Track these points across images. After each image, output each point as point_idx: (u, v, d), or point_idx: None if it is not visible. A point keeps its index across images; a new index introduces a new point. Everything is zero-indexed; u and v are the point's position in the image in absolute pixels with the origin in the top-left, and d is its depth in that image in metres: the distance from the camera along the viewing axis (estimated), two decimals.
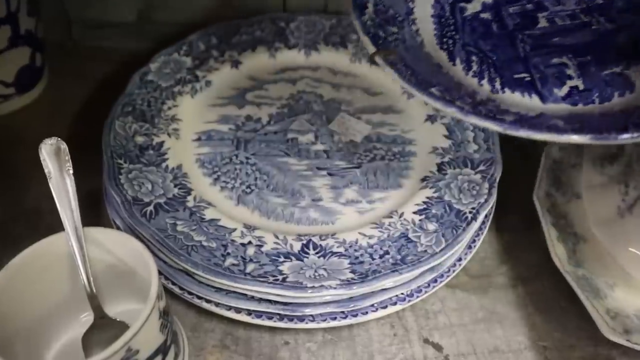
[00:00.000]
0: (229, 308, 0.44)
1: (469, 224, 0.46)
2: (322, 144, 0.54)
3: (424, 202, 0.49)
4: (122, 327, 0.39)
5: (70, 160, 0.39)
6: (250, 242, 0.45)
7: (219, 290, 0.43)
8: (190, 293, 0.44)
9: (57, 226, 0.39)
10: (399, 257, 0.44)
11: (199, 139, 0.53)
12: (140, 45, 0.68)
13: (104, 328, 0.40)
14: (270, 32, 0.63)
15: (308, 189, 0.50)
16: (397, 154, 0.53)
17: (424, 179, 0.51)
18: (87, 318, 0.43)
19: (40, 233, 0.39)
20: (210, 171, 0.51)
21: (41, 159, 0.38)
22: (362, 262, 0.44)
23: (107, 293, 0.42)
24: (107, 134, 0.50)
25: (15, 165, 0.56)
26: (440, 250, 0.44)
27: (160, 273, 0.42)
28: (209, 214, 0.47)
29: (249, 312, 0.44)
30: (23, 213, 0.53)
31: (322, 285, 0.42)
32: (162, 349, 0.38)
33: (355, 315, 0.44)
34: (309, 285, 0.42)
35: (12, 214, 0.52)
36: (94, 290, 0.39)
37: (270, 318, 0.44)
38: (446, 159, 0.52)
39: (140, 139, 0.51)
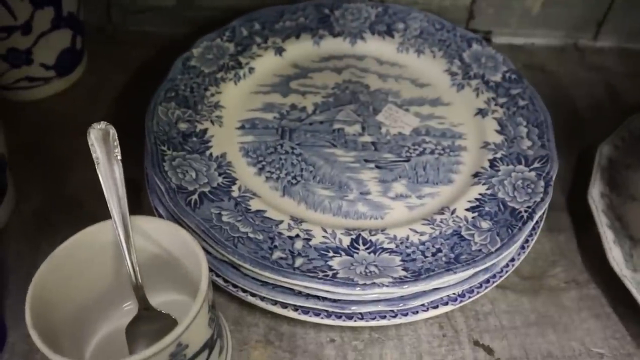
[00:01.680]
0: (275, 303, 0.42)
1: (524, 223, 0.44)
2: (370, 136, 0.52)
3: (477, 199, 0.47)
4: (167, 319, 0.38)
5: (118, 146, 0.37)
6: (297, 235, 0.43)
7: (264, 284, 0.42)
8: (235, 286, 0.43)
9: (96, 213, 0.38)
10: (452, 255, 0.42)
11: (242, 127, 0.52)
12: (180, 30, 0.67)
13: (149, 320, 0.38)
14: (314, 19, 0.61)
15: (356, 181, 0.48)
16: (447, 148, 0.51)
17: (475, 175, 0.49)
18: (129, 307, 0.42)
19: (78, 220, 0.38)
20: (255, 160, 0.49)
21: (89, 143, 0.37)
22: (414, 260, 0.42)
23: (150, 283, 0.40)
24: (149, 120, 0.49)
25: (55, 150, 0.55)
26: (496, 250, 0.43)
27: None
28: (254, 204, 0.45)
29: (296, 308, 0.42)
30: (63, 199, 0.52)
31: (373, 283, 0.40)
32: (210, 344, 0.36)
33: (405, 315, 0.42)
34: (360, 282, 0.40)
35: (51, 200, 0.51)
36: (140, 281, 0.38)
37: (317, 314, 0.42)
38: (498, 155, 0.50)
39: (183, 126, 0.50)
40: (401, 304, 0.42)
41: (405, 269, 0.41)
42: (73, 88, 0.61)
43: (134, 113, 0.52)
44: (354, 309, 0.41)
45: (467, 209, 0.46)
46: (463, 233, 0.44)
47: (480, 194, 0.47)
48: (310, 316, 0.42)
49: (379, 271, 0.41)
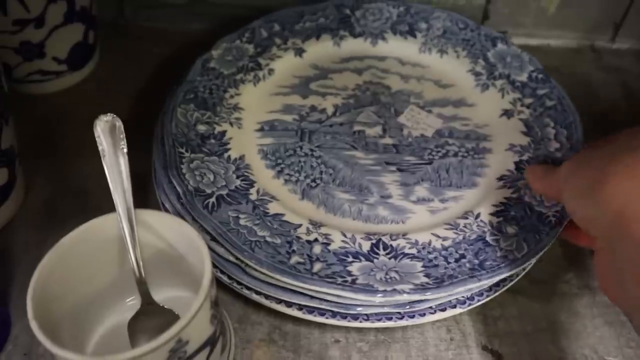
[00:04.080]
0: (280, 301, 0.41)
1: (552, 228, 0.42)
2: (391, 138, 0.50)
3: (502, 203, 0.45)
4: (170, 315, 0.37)
5: (125, 139, 0.36)
6: (316, 240, 0.42)
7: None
8: (239, 283, 0.42)
9: (104, 206, 0.37)
10: (476, 261, 0.40)
11: (261, 129, 0.50)
12: (192, 26, 0.66)
13: (151, 315, 0.37)
14: (335, 20, 0.60)
15: (377, 184, 0.47)
16: (471, 150, 0.49)
17: (500, 178, 0.47)
18: (132, 302, 0.41)
19: (87, 212, 0.37)
20: (274, 163, 0.48)
21: (95, 135, 0.36)
22: (436, 266, 0.40)
23: (154, 278, 0.39)
24: (168, 122, 0.48)
25: (64, 143, 0.54)
26: (522, 256, 0.41)
27: None
28: (272, 208, 0.44)
29: (301, 307, 0.41)
30: (71, 191, 0.51)
31: (394, 289, 0.38)
32: (211, 341, 0.35)
33: (412, 317, 0.41)
34: (381, 288, 0.38)
35: (60, 192, 0.51)
36: (143, 276, 0.37)
37: (322, 314, 0.41)
38: (525, 157, 0.48)
39: (202, 128, 0.48)
40: (408, 306, 0.40)
41: (427, 275, 0.40)
42: (84, 83, 0.60)
43: (145, 108, 0.52)
44: (360, 309, 0.40)
45: (491, 214, 0.44)
46: (488, 238, 0.42)
47: (505, 198, 0.45)
48: (315, 316, 0.41)
49: (400, 277, 0.39)
